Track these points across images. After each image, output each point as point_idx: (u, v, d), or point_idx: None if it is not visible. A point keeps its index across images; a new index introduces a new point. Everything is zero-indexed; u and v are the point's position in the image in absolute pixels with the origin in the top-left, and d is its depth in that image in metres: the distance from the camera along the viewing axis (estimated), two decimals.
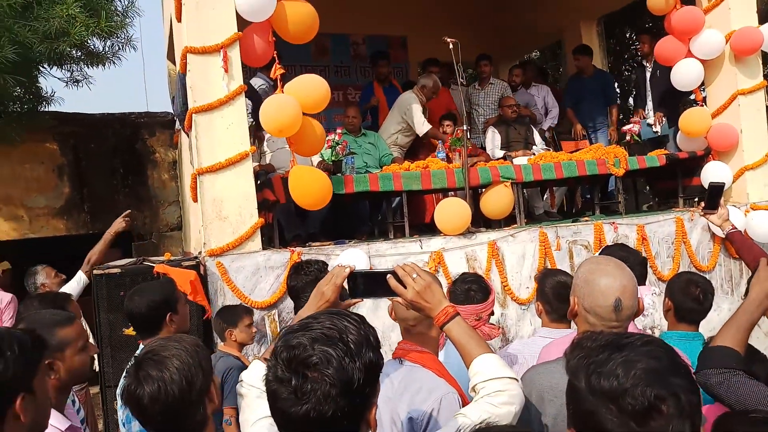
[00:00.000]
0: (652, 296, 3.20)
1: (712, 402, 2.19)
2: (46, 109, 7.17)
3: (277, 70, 4.67)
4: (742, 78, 6.03)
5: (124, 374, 1.86)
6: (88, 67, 6.95)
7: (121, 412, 2.37)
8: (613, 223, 5.43)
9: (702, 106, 6.19)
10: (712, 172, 5.75)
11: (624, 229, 5.44)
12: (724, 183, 5.16)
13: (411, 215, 5.25)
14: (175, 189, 8.02)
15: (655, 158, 6.01)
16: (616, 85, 13.71)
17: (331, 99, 4.77)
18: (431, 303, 1.70)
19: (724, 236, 3.23)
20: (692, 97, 6.22)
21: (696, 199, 6.17)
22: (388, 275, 1.71)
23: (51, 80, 7.14)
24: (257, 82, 5.82)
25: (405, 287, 1.69)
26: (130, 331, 3.20)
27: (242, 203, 4.49)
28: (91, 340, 3.43)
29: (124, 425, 2.33)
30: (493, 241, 5.04)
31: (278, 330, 4.35)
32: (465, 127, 5.29)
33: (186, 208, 7.16)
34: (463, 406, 1.74)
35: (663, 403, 1.13)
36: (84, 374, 2.17)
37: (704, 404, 2.30)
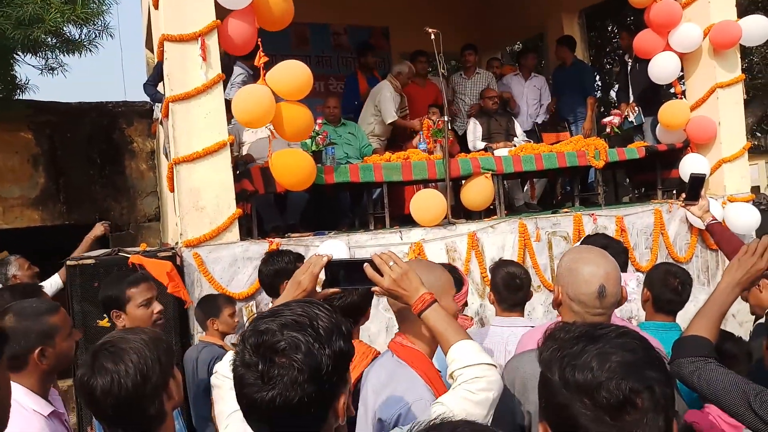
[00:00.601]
0: (637, 280, 3.22)
1: (687, 392, 2.21)
2: (21, 98, 7.03)
3: (261, 58, 4.61)
4: (720, 71, 6.08)
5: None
6: (63, 55, 6.80)
7: None
8: (593, 214, 5.46)
9: (681, 98, 6.23)
10: (690, 165, 5.79)
11: (603, 221, 5.47)
12: (705, 174, 5.20)
13: (391, 206, 5.24)
14: (153, 179, 7.91)
15: (635, 150, 6.04)
16: (597, 77, 13.82)
17: (312, 89, 4.73)
18: (408, 290, 1.68)
19: (704, 227, 3.24)
20: (672, 90, 6.25)
21: (675, 192, 6.22)
22: (365, 264, 1.69)
23: (25, 68, 7.01)
24: (237, 71, 5.74)
25: (382, 276, 1.67)
26: (104, 322, 3.16)
27: (220, 193, 4.44)
28: None
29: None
30: (473, 232, 5.03)
31: None
32: (446, 118, 5.28)
33: (164, 199, 7.08)
34: None
35: (638, 397, 1.11)
36: (70, 360, 2.18)
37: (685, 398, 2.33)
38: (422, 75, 7.08)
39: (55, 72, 6.89)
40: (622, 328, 1.25)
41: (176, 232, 4.65)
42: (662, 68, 6.00)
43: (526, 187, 6.70)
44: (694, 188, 3.24)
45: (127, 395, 1.51)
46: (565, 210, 5.73)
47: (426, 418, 1.09)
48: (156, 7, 4.57)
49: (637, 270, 5.39)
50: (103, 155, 7.74)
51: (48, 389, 2.08)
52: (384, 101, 6.31)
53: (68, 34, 6.62)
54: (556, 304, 2.00)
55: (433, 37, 5.06)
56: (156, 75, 5.36)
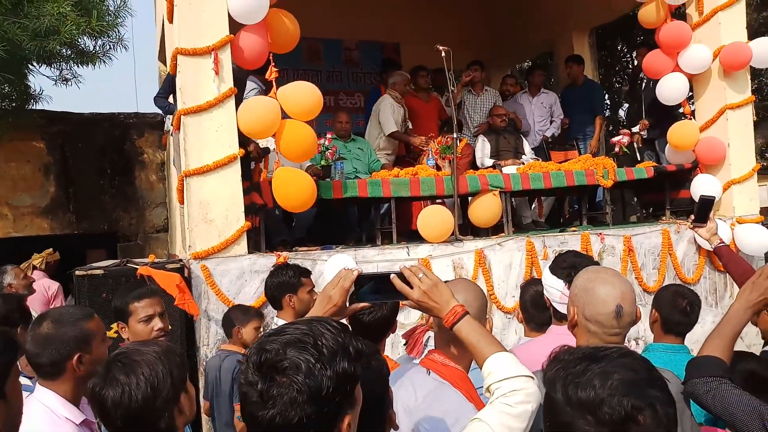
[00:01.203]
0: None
1: (702, 413, 2.19)
2: (34, 108, 7.11)
3: (272, 72, 4.65)
4: (730, 92, 6.08)
5: None
6: (77, 66, 6.92)
7: None
8: (600, 234, 5.45)
9: (690, 119, 6.23)
10: (701, 185, 5.77)
11: (611, 240, 5.46)
12: (714, 197, 5.18)
13: (399, 222, 5.24)
14: (163, 190, 7.96)
15: (643, 170, 6.03)
16: (606, 96, 13.85)
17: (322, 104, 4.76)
18: (439, 303, 1.64)
19: (711, 250, 3.24)
20: (681, 110, 6.26)
21: (687, 216, 6.19)
22: (393, 275, 1.65)
23: (40, 78, 7.09)
24: (250, 86, 5.78)
25: (411, 288, 1.64)
26: (112, 332, 3.17)
27: (229, 206, 4.46)
28: None
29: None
30: (480, 249, 5.03)
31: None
32: (455, 135, 5.30)
33: (172, 210, 7.12)
34: None
35: (640, 414, 1.12)
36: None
37: (698, 419, 2.31)
38: (425, 89, 7.08)
39: (69, 83, 6.99)
40: (624, 349, 1.27)
41: (185, 243, 4.67)
42: (671, 89, 6.00)
43: (533, 205, 6.70)
44: (702, 210, 3.23)
45: (137, 408, 1.51)
46: (573, 228, 5.72)
47: None
48: (170, 20, 4.63)
49: (645, 291, 5.37)
50: (113, 166, 7.80)
51: (81, 397, 2.07)
52: (383, 113, 6.31)
53: (83, 45, 6.72)
54: (572, 326, 1.98)
55: (443, 54, 5.10)
56: (167, 87, 5.41)
